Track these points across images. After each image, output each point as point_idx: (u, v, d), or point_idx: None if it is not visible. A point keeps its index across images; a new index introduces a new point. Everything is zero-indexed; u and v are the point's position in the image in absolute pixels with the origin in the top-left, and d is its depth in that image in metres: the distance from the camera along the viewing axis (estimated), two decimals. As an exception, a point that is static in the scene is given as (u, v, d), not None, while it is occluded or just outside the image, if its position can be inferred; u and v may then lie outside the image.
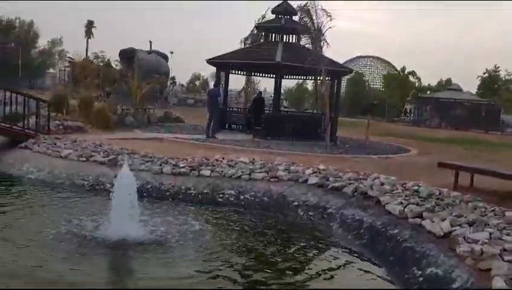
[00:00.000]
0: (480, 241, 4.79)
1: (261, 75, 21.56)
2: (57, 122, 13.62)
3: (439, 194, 7.05)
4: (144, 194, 7.67)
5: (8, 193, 8.09)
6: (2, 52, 59.08)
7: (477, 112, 37.06)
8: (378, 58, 54.88)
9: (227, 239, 6.17)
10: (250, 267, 5.34)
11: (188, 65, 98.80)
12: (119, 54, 34.55)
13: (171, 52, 44.85)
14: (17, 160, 10.08)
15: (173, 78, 54.65)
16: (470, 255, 4.61)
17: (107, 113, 15.71)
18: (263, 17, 21.79)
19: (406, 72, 50.33)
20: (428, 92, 49.56)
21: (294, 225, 7.23)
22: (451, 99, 38.07)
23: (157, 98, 30.43)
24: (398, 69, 51.46)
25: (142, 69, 22.94)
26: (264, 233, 6.65)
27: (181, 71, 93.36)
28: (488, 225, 5.39)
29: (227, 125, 18.57)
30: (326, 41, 16.13)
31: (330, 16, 15.02)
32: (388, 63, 54.10)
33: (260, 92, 21.70)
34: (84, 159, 9.38)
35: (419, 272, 4.89)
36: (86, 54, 47.31)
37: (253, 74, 22.76)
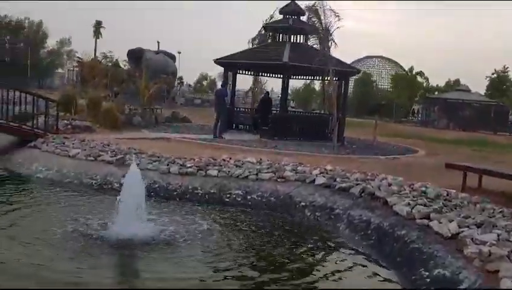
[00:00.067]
0: (488, 243, 4.76)
1: (268, 75, 21.57)
2: (66, 121, 13.71)
3: (447, 195, 7.02)
4: (151, 193, 7.70)
5: (17, 192, 8.15)
6: (11, 52, 59.66)
7: (485, 113, 36.80)
8: (385, 58, 54.65)
9: (235, 239, 6.18)
10: (258, 268, 5.33)
11: (196, 65, 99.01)
12: (127, 54, 34.69)
13: (179, 52, 45.00)
14: (26, 159, 10.17)
15: (181, 78, 54.85)
16: (477, 256, 4.59)
17: (115, 113, 15.78)
18: (271, 17, 21.78)
19: (413, 72, 50.12)
20: (436, 92, 49.30)
21: (302, 225, 7.23)
22: (460, 100, 37.84)
23: (165, 98, 30.52)
24: (406, 69, 51.25)
25: (150, 69, 23.04)
26: (271, 234, 6.65)
27: (188, 71, 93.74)
28: (496, 226, 5.36)
29: (234, 125, 18.60)
30: (334, 41, 16.11)
31: (338, 16, 15.00)
32: (396, 63, 53.86)
33: (267, 92, 21.71)
34: (92, 158, 9.44)
35: (427, 273, 4.88)
36: (95, 54, 47.63)
37: (260, 74, 22.78)
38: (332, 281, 5.12)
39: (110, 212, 6.42)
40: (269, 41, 19.53)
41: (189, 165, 8.78)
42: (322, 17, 15.23)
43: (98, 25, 70.48)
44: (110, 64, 25.20)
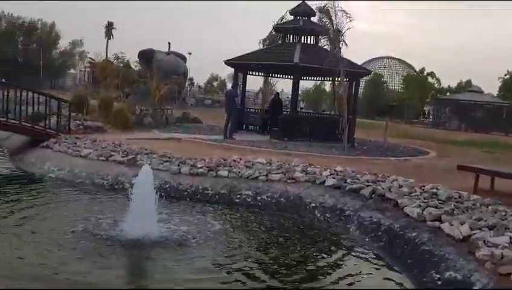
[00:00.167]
0: (500, 246, 4.73)
1: (278, 76, 21.56)
2: (77, 122, 13.83)
3: (459, 197, 6.98)
4: (162, 193, 7.72)
5: (29, 191, 8.23)
6: (24, 53, 60.37)
7: (497, 114, 36.42)
8: (396, 59, 54.31)
9: (247, 240, 6.20)
10: (270, 270, 5.30)
11: (206, 66, 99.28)
12: (138, 55, 34.87)
13: (189, 53, 45.15)
14: (38, 159, 10.29)
15: (191, 79, 55.01)
16: (489, 259, 4.56)
17: (126, 113, 15.87)
18: (282, 18, 21.78)
19: (425, 73, 49.75)
20: (448, 93, 48.91)
21: (312, 226, 7.22)
22: (472, 101, 37.51)
23: (175, 98, 30.64)
24: (417, 70, 50.89)
25: (161, 70, 23.11)
26: (282, 235, 6.65)
27: (199, 72, 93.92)
28: (509, 228, 5.31)
29: (244, 126, 18.63)
30: (345, 42, 16.05)
31: (350, 16, 14.95)
32: (407, 64, 53.51)
33: (277, 93, 21.68)
34: (103, 158, 9.52)
35: (438, 276, 4.86)
36: (106, 55, 47.97)
37: (270, 75, 22.79)
38: (343, 284, 5.09)
39: (122, 212, 6.48)
40: (280, 42, 19.51)
41: (199, 166, 8.82)
42: (334, 18, 15.18)
43: (109, 26, 70.99)
44: (121, 65, 25.27)
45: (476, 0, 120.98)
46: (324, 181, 8.11)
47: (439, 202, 6.57)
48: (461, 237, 5.25)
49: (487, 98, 40.53)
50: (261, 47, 22.99)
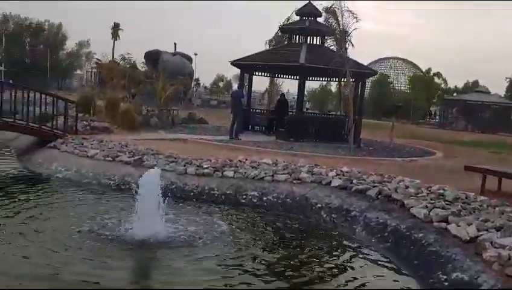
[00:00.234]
0: (507, 247, 4.70)
1: (284, 76, 21.57)
2: (84, 122, 13.89)
3: (466, 198, 6.95)
4: (168, 194, 7.75)
5: (37, 191, 8.29)
6: (32, 54, 60.77)
7: (505, 114, 36.21)
8: (403, 59, 54.15)
9: (253, 241, 6.19)
10: (277, 271, 5.29)
11: (212, 66, 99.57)
12: (145, 56, 34.98)
13: (195, 54, 45.22)
14: (45, 159, 10.35)
15: (197, 79, 55.11)
16: (497, 260, 4.54)
17: (133, 114, 15.93)
18: (288, 19, 21.77)
19: (431, 73, 49.56)
20: (454, 94, 48.69)
21: (318, 227, 7.21)
22: (479, 102, 37.31)
23: (181, 99, 30.71)
24: (424, 70, 50.70)
25: (167, 71, 23.19)
26: (288, 235, 6.65)
27: (205, 73, 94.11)
28: (516, 230, 5.28)
29: (250, 126, 18.64)
30: (351, 43, 16.03)
31: (356, 17, 14.92)
32: (413, 64, 53.33)
33: (283, 94, 21.69)
34: (110, 159, 9.57)
35: (445, 277, 4.84)
36: (113, 56, 48.19)
37: (276, 75, 22.79)
38: (350, 285, 5.06)
39: (128, 212, 6.50)
40: (286, 42, 19.51)
41: (205, 166, 8.84)
42: (340, 18, 15.16)
43: (116, 27, 71.26)
44: (128, 66, 25.39)
45: (479, 0, 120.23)
46: (330, 182, 8.10)
47: (446, 202, 6.55)
48: (468, 238, 5.22)
49: (494, 98, 40.33)
50: (267, 47, 23.01)
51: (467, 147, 18.64)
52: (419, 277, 5.17)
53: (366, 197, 7.39)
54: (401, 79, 51.85)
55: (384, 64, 52.84)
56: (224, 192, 8.21)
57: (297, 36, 17.98)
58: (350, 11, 15.01)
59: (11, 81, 23.62)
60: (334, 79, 21.25)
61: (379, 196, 7.28)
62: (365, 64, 21.24)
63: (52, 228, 6.12)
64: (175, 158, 9.50)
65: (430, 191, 7.26)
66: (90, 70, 50.78)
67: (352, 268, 5.60)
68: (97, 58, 35.08)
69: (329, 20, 16.47)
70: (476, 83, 54.17)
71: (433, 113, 50.26)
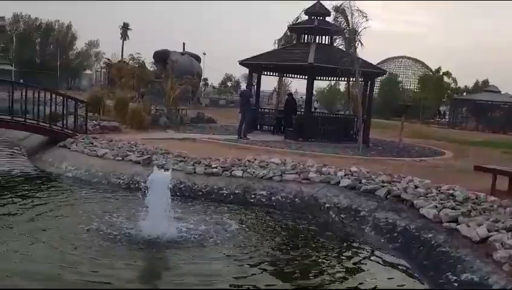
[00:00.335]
0: (518, 248, 4.67)
1: (293, 76, 21.54)
2: (94, 122, 13.99)
3: (476, 198, 6.89)
4: (177, 193, 7.79)
5: (47, 190, 8.36)
6: (42, 54, 61.26)
7: (515, 114, 35.89)
8: (412, 58, 53.82)
9: (263, 240, 6.19)
10: (286, 272, 5.28)
11: (221, 66, 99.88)
12: (153, 56, 35.14)
13: (204, 54, 45.38)
14: (56, 158, 10.43)
15: (205, 79, 55.26)
16: (507, 261, 4.50)
17: (142, 113, 16.00)
18: (297, 18, 21.73)
19: (441, 72, 49.21)
20: (464, 93, 48.32)
21: (327, 227, 7.19)
22: (489, 102, 36.99)
23: (190, 99, 30.78)
24: (433, 69, 50.34)
25: (175, 70, 23.25)
26: (297, 235, 6.65)
27: (213, 72, 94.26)
28: (527, 231, 5.23)
29: (258, 126, 18.65)
30: (360, 42, 15.96)
31: (366, 16, 14.87)
32: (422, 63, 52.99)
33: (290, 94, 21.67)
34: (119, 158, 9.62)
35: (454, 278, 4.81)
36: (122, 56, 48.41)
37: (285, 75, 22.77)
38: (359, 285, 5.06)
39: (137, 211, 6.54)
40: (294, 42, 19.49)
41: (214, 166, 8.86)
42: (350, 18, 15.12)
43: (125, 27, 71.62)
44: (137, 65, 25.50)
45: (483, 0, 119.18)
46: (339, 182, 8.09)
47: (456, 203, 6.51)
48: (478, 239, 5.19)
49: (505, 98, 39.95)
50: (276, 47, 22.98)
51: (477, 147, 18.49)
52: (429, 277, 5.15)
53: (375, 197, 7.37)
54: (411, 78, 51.55)
55: (394, 63, 52.53)
56: (233, 191, 8.23)
57: (306, 36, 17.95)
58: (360, 10, 14.98)
59: (22, 81, 23.82)
60: (343, 79, 21.21)
61: (388, 196, 7.25)
62: (374, 63, 21.13)
63: (62, 227, 6.16)
64: (184, 158, 9.53)
65: (439, 191, 7.22)
66: (99, 70, 51.05)
67: (361, 269, 5.58)
68: (107, 58, 35.22)
69: (338, 19, 16.42)
70: (486, 82, 53.72)
71: (442, 112, 49.92)
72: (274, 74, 21.67)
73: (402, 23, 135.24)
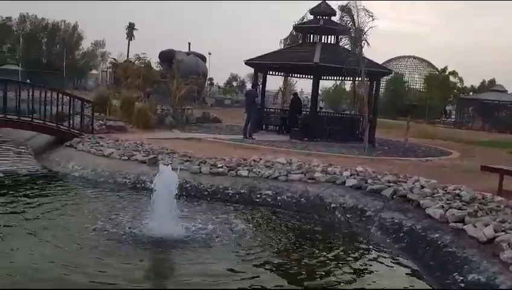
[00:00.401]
0: (525, 248, 4.65)
1: (298, 76, 21.52)
2: (100, 122, 14.03)
3: (482, 198, 6.86)
4: (183, 193, 7.80)
5: (53, 189, 8.42)
6: (48, 54, 61.60)
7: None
8: (418, 58, 53.58)
9: (269, 240, 6.20)
10: (293, 273, 5.29)
11: (226, 66, 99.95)
12: (159, 56, 35.22)
13: (209, 53, 45.44)
14: (62, 158, 10.49)
15: (211, 79, 55.31)
16: (514, 262, 4.48)
17: (148, 113, 16.03)
18: (303, 18, 21.71)
19: (447, 72, 48.97)
20: (470, 93, 48.07)
21: (332, 227, 7.19)
22: (495, 101, 36.79)
23: (195, 98, 30.82)
24: (439, 69, 50.11)
25: (181, 70, 23.28)
26: (303, 235, 6.64)
27: (219, 72, 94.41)
28: (534, 231, 5.21)
29: (264, 126, 18.64)
30: (366, 42, 15.91)
31: (372, 15, 14.82)
32: (428, 63, 52.75)
33: (295, 93, 21.64)
34: (125, 158, 9.66)
35: (461, 278, 4.79)
36: (128, 56, 48.55)
37: (290, 75, 22.74)
38: (365, 285, 5.06)
39: (143, 210, 6.56)
40: (300, 42, 19.46)
41: (220, 166, 8.87)
42: (355, 17, 15.08)
43: (131, 27, 71.84)
44: (143, 65, 25.59)
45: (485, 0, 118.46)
46: (345, 181, 8.08)
47: (463, 203, 6.48)
48: (485, 239, 5.17)
49: (511, 97, 39.71)
50: (282, 46, 22.97)
51: (484, 147, 18.39)
52: (435, 278, 5.13)
53: (381, 197, 7.35)
54: (416, 78, 51.33)
55: (400, 63, 52.29)
56: (239, 191, 8.24)
57: (312, 35, 17.93)
58: (366, 10, 14.94)
59: (28, 80, 23.94)
60: (349, 78, 21.17)
61: (394, 196, 7.23)
62: (380, 63, 21.07)
63: (67, 226, 6.18)
64: (189, 157, 9.55)
65: (446, 191, 7.20)
66: (105, 70, 51.20)
67: (368, 270, 5.58)
68: (113, 58, 35.32)
69: (344, 18, 16.37)
70: (492, 81, 53.43)
71: (448, 112, 49.68)
72: (279, 74, 21.66)
73: (408, 23, 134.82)
